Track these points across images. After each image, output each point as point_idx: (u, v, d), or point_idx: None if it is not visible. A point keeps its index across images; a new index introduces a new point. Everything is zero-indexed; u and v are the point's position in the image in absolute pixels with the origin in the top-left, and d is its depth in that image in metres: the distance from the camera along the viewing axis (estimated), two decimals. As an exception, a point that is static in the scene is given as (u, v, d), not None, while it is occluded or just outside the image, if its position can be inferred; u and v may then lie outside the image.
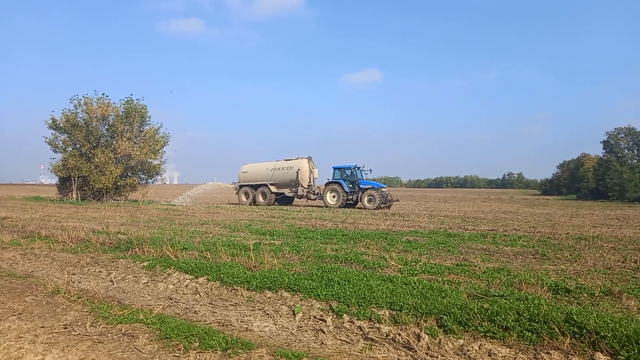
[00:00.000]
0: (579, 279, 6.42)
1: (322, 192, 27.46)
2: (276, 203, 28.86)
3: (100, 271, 7.61)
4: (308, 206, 28.33)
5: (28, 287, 6.34)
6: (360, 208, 25.48)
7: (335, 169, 27.67)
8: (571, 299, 5.36)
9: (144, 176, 33.03)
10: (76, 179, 30.03)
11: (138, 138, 31.62)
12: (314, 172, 28.57)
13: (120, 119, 30.60)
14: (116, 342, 4.25)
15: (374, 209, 24.33)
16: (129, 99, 31.19)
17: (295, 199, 29.36)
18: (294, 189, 28.27)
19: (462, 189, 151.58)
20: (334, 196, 26.65)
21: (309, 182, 28.18)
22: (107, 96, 31.10)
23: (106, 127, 31.22)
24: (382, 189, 26.38)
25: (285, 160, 29.10)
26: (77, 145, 30.56)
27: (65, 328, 4.63)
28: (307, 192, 27.92)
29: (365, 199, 25.54)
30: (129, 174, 31.80)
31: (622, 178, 50.27)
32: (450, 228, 14.00)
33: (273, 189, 28.51)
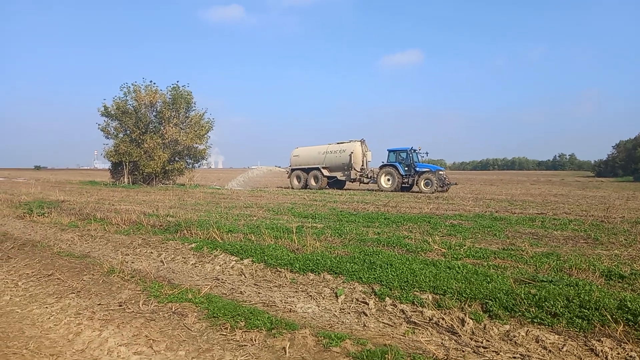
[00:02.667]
0: (634, 265, 6.13)
1: (375, 176, 27.04)
2: (327, 187, 28.81)
3: (151, 252, 7.94)
4: (361, 190, 28.20)
5: (86, 266, 6.72)
6: (416, 192, 24.92)
7: (390, 151, 27.13)
8: (625, 285, 5.12)
9: (190, 161, 34.02)
10: (127, 163, 31.32)
11: (184, 124, 32.51)
12: (367, 155, 28.16)
13: (167, 105, 31.53)
14: (167, 320, 4.45)
15: (431, 193, 23.72)
16: (175, 85, 32.08)
17: (348, 182, 29.16)
18: (346, 173, 28.04)
19: (509, 171, 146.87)
20: (388, 179, 26.20)
21: (362, 165, 27.81)
22: (154, 83, 32.10)
23: (154, 113, 32.27)
24: (440, 172, 25.66)
25: (338, 143, 28.83)
26: (128, 132, 31.78)
27: (120, 306, 4.89)
28: (360, 175, 27.60)
29: (422, 182, 24.97)
30: (176, 158, 32.83)
31: (685, 158, 47.13)
32: (496, 211, 13.64)
33: (325, 172, 28.43)
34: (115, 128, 32.08)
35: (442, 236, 8.71)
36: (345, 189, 28.63)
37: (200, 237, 8.59)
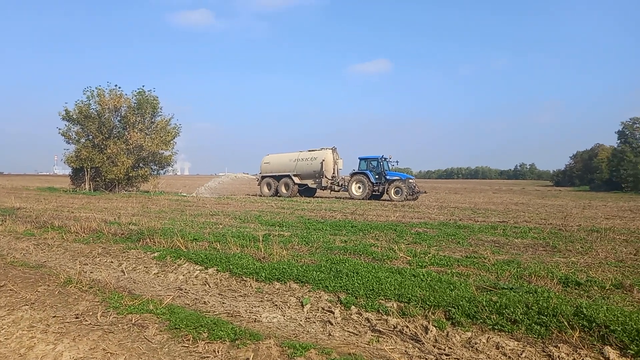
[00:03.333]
0: (590, 272, 6.36)
1: (346, 184, 27.12)
2: (298, 194, 28.65)
3: (112, 261, 7.70)
4: (329, 198, 28.18)
5: (41, 277, 6.45)
6: (387, 200, 25.12)
7: (361, 159, 27.24)
8: (581, 292, 5.30)
9: (155, 167, 33.32)
10: (89, 169, 30.40)
11: (150, 129, 31.85)
12: (338, 163, 28.22)
13: (132, 110, 30.84)
14: (126, 332, 4.31)
15: (402, 201, 23.95)
16: (140, 90, 31.41)
17: (318, 190, 29.09)
18: (317, 180, 27.97)
19: (473, 180, 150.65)
20: (359, 187, 26.29)
21: (333, 173, 27.86)
22: (119, 87, 31.35)
23: (118, 118, 31.49)
24: (410, 180, 25.98)
25: (309, 150, 28.77)
26: (90, 137, 30.88)
27: (77, 318, 4.71)
28: (332, 183, 27.61)
29: (392, 190, 25.12)
30: (140, 164, 32.10)
31: (636, 169, 49.56)
32: (460, 220, 13.93)
33: (296, 180, 28.25)
34: (77, 133, 31.11)
35: (408, 244, 8.81)
36: (315, 197, 28.62)
37: (163, 246, 8.40)
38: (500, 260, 7.11)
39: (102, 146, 30.25)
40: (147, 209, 17.00)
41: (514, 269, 6.42)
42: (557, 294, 4.84)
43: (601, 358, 3.53)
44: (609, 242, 9.27)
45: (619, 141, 59.12)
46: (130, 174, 30.78)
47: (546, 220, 14.28)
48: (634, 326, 3.66)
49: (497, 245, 8.92)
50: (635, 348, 3.48)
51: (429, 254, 7.62)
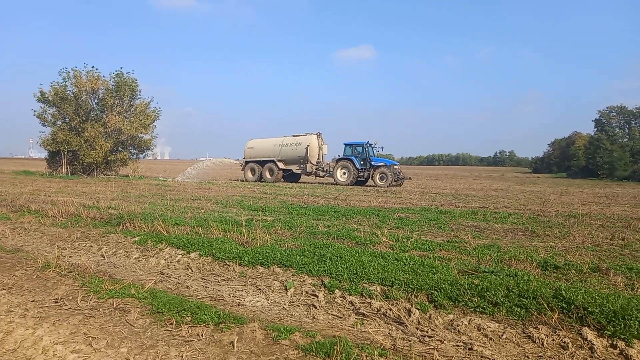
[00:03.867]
0: (568, 256, 6.50)
1: (331, 169, 26.99)
2: (283, 180, 28.51)
3: (91, 246, 7.58)
4: (311, 183, 28.10)
5: (18, 261, 6.30)
6: (371, 186, 25.10)
7: (346, 145, 27.08)
8: (560, 275, 5.42)
9: (134, 151, 32.73)
10: (66, 153, 29.72)
11: (128, 112, 31.26)
12: (323, 149, 28.00)
13: (110, 92, 30.14)
14: (108, 317, 4.25)
15: (386, 187, 23.97)
16: (119, 72, 30.70)
17: (303, 175, 28.92)
18: (302, 166, 27.77)
19: (454, 166, 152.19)
20: (344, 173, 26.17)
21: (318, 158, 27.67)
22: (96, 69, 30.57)
23: (96, 101, 30.80)
24: (395, 167, 25.94)
25: (294, 136, 28.47)
26: (67, 119, 30.17)
27: (56, 302, 4.62)
28: (316, 168, 27.44)
29: (377, 176, 25.07)
30: (119, 148, 31.52)
31: (612, 157, 50.72)
32: (441, 205, 14.08)
33: (281, 165, 27.96)
34: (53, 115, 30.34)
35: (391, 229, 8.87)
36: (299, 183, 28.51)
37: (144, 230, 8.29)
38: (481, 245, 7.21)
39: (80, 129, 29.59)
40: (127, 193, 16.73)
41: (495, 253, 6.52)
42: (536, 277, 4.94)
43: (579, 339, 3.62)
44: (585, 227, 9.47)
45: (595, 129, 60.38)
46: (109, 158, 30.20)
47: (525, 205, 14.52)
48: (611, 308, 3.75)
49: (477, 230, 9.05)
50: (612, 329, 3.57)
51: (412, 238, 7.69)
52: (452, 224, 9.69)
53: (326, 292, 5.01)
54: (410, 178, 29.60)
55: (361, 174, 25.86)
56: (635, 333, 3.47)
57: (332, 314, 4.46)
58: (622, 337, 3.48)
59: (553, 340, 3.64)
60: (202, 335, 3.80)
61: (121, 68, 31.42)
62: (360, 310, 4.48)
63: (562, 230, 8.96)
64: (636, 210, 13.50)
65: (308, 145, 27.27)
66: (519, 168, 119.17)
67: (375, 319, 4.27)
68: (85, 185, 20.95)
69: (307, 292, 5.06)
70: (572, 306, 3.92)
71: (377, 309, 4.48)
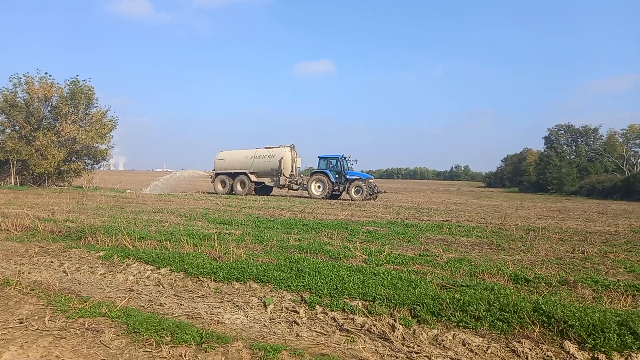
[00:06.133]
0: (535, 269, 6.70)
1: (305, 182, 26.68)
2: (254, 192, 27.87)
3: (52, 261, 7.17)
4: (287, 196, 27.72)
5: (-28, 279, 5.86)
6: (346, 199, 25.01)
7: (320, 158, 26.89)
8: (531, 289, 5.58)
9: (89, 161, 31.48)
10: (15, 162, 28.19)
11: (84, 121, 30.07)
12: (296, 161, 27.68)
13: (65, 100, 28.93)
14: (80, 338, 4.01)
15: (362, 200, 23.96)
16: (74, 79, 29.53)
17: (275, 188, 28.45)
18: (275, 178, 27.30)
19: (412, 180, 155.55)
20: (319, 186, 25.92)
21: (292, 171, 27.30)
22: (50, 76, 29.29)
23: (49, 108, 29.45)
24: (370, 180, 26.00)
25: (267, 148, 27.93)
26: (17, 127, 28.66)
27: (21, 323, 4.32)
28: (290, 181, 27.03)
29: (353, 190, 25.05)
30: (73, 158, 30.20)
31: (560, 172, 53.21)
32: (406, 218, 14.29)
33: (253, 177, 27.34)
34: (1, 123, 28.77)
35: (361, 242, 8.89)
36: (269, 195, 28.10)
37: (108, 245, 7.94)
38: (452, 258, 7.34)
39: (30, 138, 28.16)
40: (83, 205, 16.03)
41: (467, 266, 6.64)
42: (513, 291, 5.06)
43: (562, 352, 3.72)
44: (546, 241, 9.84)
45: (545, 146, 63.27)
46: (62, 168, 28.88)
47: (485, 219, 14.96)
48: (589, 321, 3.88)
49: (445, 243, 9.21)
50: (592, 342, 3.69)
51: (384, 252, 7.73)
52: (421, 238, 9.83)
53: (307, 308, 4.93)
54: (385, 192, 29.69)
55: (336, 187, 25.81)
56: (615, 346, 3.60)
57: (315, 331, 4.39)
58: (603, 349, 3.60)
59: (537, 354, 3.72)
60: (184, 356, 3.64)
61: (77, 75, 30.32)
62: (344, 327, 4.43)
63: (525, 244, 9.27)
64: (589, 224, 14.17)
65: (282, 158, 26.88)
66: (473, 182, 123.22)
67: (360, 335, 4.24)
68: (37, 197, 19.93)
69: (287, 309, 4.97)
70: (553, 320, 4.03)
71: (361, 324, 4.45)
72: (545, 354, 3.70)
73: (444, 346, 3.97)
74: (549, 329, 4.00)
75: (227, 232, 9.83)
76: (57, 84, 29.34)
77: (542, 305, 4.23)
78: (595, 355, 3.60)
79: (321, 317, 4.70)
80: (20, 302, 4.93)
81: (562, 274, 6.36)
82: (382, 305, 4.76)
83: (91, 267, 6.81)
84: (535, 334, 3.98)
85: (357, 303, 4.89)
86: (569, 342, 3.77)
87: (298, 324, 4.54)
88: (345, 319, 4.62)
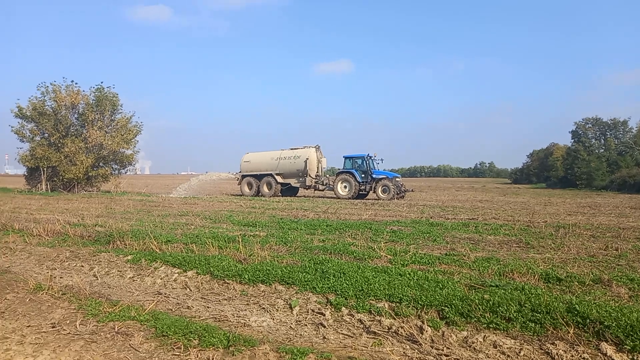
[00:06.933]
0: (567, 267, 6.52)
1: (330, 183, 26.59)
2: (280, 194, 27.92)
3: (82, 266, 7.33)
4: (313, 197, 27.62)
5: (7, 283, 6.03)
6: (373, 199, 24.82)
7: (346, 158, 26.74)
8: (564, 288, 5.41)
9: (116, 166, 32.14)
10: (45, 169, 29.01)
11: (110, 127, 30.71)
12: (322, 162, 27.64)
13: (91, 107, 29.63)
14: (110, 342, 4.07)
15: (389, 200, 23.75)
16: (99, 86, 30.25)
17: (301, 189, 28.49)
18: (301, 179, 27.28)
19: (435, 178, 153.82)
20: (345, 187, 25.73)
21: (317, 172, 27.25)
22: (76, 84, 30.07)
23: (76, 115, 30.22)
24: (397, 179, 25.75)
25: (291, 149, 28.04)
26: (46, 135, 29.50)
27: (54, 327, 4.42)
28: (316, 182, 26.98)
29: (380, 189, 24.78)
30: (100, 164, 30.89)
31: (589, 167, 51.74)
32: (431, 217, 14.10)
33: (279, 179, 27.45)
34: (31, 130, 29.65)
35: (386, 242, 8.80)
36: (293, 197, 28.15)
37: (135, 249, 8.07)
38: (480, 257, 7.20)
39: (59, 144, 28.95)
40: (112, 210, 16.36)
41: (495, 265, 6.50)
42: (544, 291, 4.92)
43: (598, 354, 3.59)
44: (577, 238, 9.57)
45: (572, 140, 61.68)
46: (90, 174, 29.59)
47: (513, 217, 14.65)
48: (627, 321, 3.74)
49: (472, 242, 9.05)
50: (631, 343, 3.55)
51: (409, 252, 7.63)
52: (446, 237, 9.68)
53: (333, 310, 4.90)
54: (412, 190, 29.22)
55: (362, 187, 25.55)
56: (655, 347, 3.46)
57: (342, 333, 4.36)
58: (642, 351, 3.46)
59: (572, 356, 3.60)
60: (212, 360, 3.65)
61: (102, 82, 31.04)
62: (370, 329, 4.38)
63: (556, 241, 9.03)
64: (621, 220, 13.73)
65: (307, 159, 26.88)
66: (499, 179, 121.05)
67: (387, 338, 4.18)
68: (67, 202, 20.44)
69: (313, 311, 4.95)
70: (588, 320, 3.90)
71: (388, 326, 4.39)
72: (581, 356, 3.58)
73: (474, 348, 3.88)
74: (584, 330, 3.87)
75: (252, 234, 9.88)
76: (83, 91, 30.13)
77: (576, 305, 4.10)
78: (635, 358, 3.46)
79: (347, 319, 4.66)
80: (53, 307, 5.04)
81: (595, 272, 6.17)
82: (409, 306, 4.69)
83: (120, 271, 6.93)
84: (569, 335, 3.85)
85: (384, 304, 4.83)
86: (605, 344, 3.64)
87: (324, 326, 4.51)
88: (371, 320, 4.57)
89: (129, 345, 3.98)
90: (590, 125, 60.54)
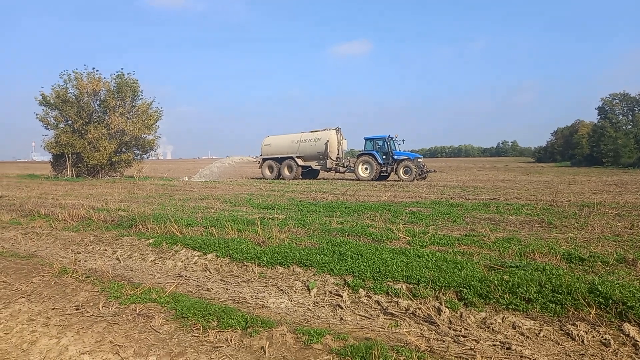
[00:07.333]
0: (591, 247, 6.38)
1: (351, 165, 26.49)
2: (301, 177, 27.93)
3: (105, 249, 7.50)
4: (333, 179, 27.62)
5: (34, 267, 6.22)
6: (395, 180, 24.66)
7: (366, 139, 26.52)
8: (586, 268, 5.30)
9: (138, 152, 32.61)
10: (70, 155, 29.63)
11: (131, 113, 31.11)
12: (342, 144, 27.52)
13: (112, 93, 29.98)
14: (132, 323, 4.16)
15: (411, 181, 23.51)
16: (119, 73, 30.51)
17: (322, 172, 28.44)
18: (322, 162, 27.20)
19: (457, 158, 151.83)
20: (366, 168, 25.62)
21: (338, 154, 27.15)
22: (97, 71, 30.42)
23: (98, 102, 30.63)
24: (418, 160, 25.43)
25: (312, 131, 27.92)
26: (69, 122, 30.03)
27: (78, 309, 4.54)
28: (336, 164, 26.92)
29: (401, 170, 24.52)
30: (123, 149, 31.39)
31: (616, 144, 50.37)
32: (451, 198, 13.95)
33: (299, 161, 27.41)
34: (55, 118, 30.22)
35: (405, 224, 8.75)
36: (311, 179, 28.17)
37: (157, 232, 8.21)
38: (500, 238, 7.09)
39: (83, 131, 29.46)
40: (134, 195, 16.66)
41: (516, 246, 6.40)
42: (566, 271, 4.82)
43: (621, 335, 3.52)
44: (602, 217, 9.35)
45: (599, 117, 59.98)
46: (113, 159, 30.12)
47: (535, 196, 14.39)
48: (651, 302, 3.65)
49: (493, 222, 8.93)
50: (655, 324, 3.47)
51: (428, 233, 7.58)
52: (466, 217, 9.57)
53: (350, 291, 4.91)
54: (435, 170, 28.77)
55: (384, 168, 25.36)
56: (680, 328, 3.37)
57: (359, 315, 4.37)
58: (667, 332, 3.38)
59: (593, 337, 3.53)
60: (230, 341, 3.71)
61: (122, 69, 31.43)
62: (388, 310, 4.38)
63: (579, 221, 8.83)
64: (649, 198, 13.35)
65: (327, 141, 26.71)
66: (522, 158, 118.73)
67: (404, 319, 4.17)
68: (92, 188, 20.89)
69: (330, 292, 4.97)
70: (610, 301, 3.81)
71: (406, 308, 4.38)
72: (602, 337, 3.51)
73: (492, 329, 3.84)
74: (606, 311, 3.79)
75: (270, 216, 9.94)
76: (104, 78, 30.47)
77: (599, 286, 4.01)
78: (658, 339, 3.38)
79: (365, 301, 4.67)
80: (77, 290, 5.17)
81: (619, 251, 6.02)
82: (426, 288, 4.67)
83: (142, 254, 7.07)
84: (591, 316, 3.78)
85: (401, 286, 4.82)
86: (628, 325, 3.56)
87: (342, 308, 4.53)
88: (389, 302, 4.56)
89: (150, 326, 4.07)
90: (617, 100, 58.71)
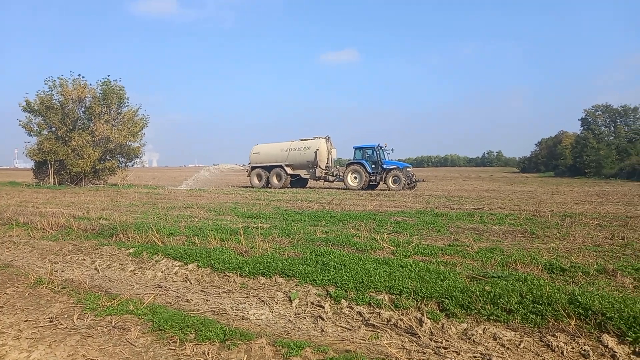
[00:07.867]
0: (572, 258, 6.42)
1: (341, 174, 26.45)
2: (290, 185, 27.85)
3: (84, 259, 7.34)
4: (320, 188, 27.52)
5: (8, 277, 6.06)
6: (383, 189, 24.68)
7: (356, 148, 26.50)
8: (567, 278, 5.33)
9: (123, 159, 32.27)
10: (52, 163, 29.18)
11: (116, 120, 30.82)
12: (332, 153, 27.45)
13: (97, 100, 29.71)
14: (107, 336, 4.05)
15: (400, 190, 23.53)
16: (106, 80, 30.31)
17: (311, 180, 28.36)
18: (311, 170, 27.11)
19: (442, 167, 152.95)
20: (355, 177, 25.61)
21: (327, 163, 27.09)
22: (83, 77, 30.13)
23: (83, 109, 30.31)
24: (407, 169, 25.53)
25: (301, 140, 27.85)
26: (53, 129, 29.65)
27: (51, 321, 4.41)
28: (326, 173, 26.86)
29: (390, 179, 24.58)
30: (107, 157, 31.03)
31: (598, 155, 51.21)
32: (436, 207, 13.99)
33: (289, 170, 27.32)
34: (38, 124, 29.81)
35: (389, 233, 8.74)
36: (296, 188, 28.11)
37: (138, 242, 8.07)
38: (483, 248, 7.11)
39: (67, 138, 29.08)
40: (117, 203, 16.42)
41: (498, 256, 6.42)
42: (547, 281, 4.84)
43: (600, 346, 3.52)
44: (583, 227, 9.44)
45: (582, 128, 61.00)
46: (97, 167, 29.74)
47: (519, 206, 14.50)
48: (630, 313, 3.66)
49: (476, 232, 8.96)
50: (634, 335, 3.48)
51: (412, 243, 7.57)
52: (450, 227, 9.60)
53: (332, 302, 4.86)
54: (424, 180, 28.94)
55: (373, 177, 25.36)
56: (658, 339, 3.38)
57: (340, 326, 4.31)
58: (645, 343, 3.38)
59: (573, 348, 3.53)
60: (208, 354, 3.63)
61: (108, 76, 31.05)
62: (369, 321, 4.33)
63: (561, 231, 8.91)
64: (630, 208, 13.56)
65: (317, 150, 26.67)
66: (507, 168, 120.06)
67: (386, 330, 4.13)
68: (74, 195, 20.56)
69: (312, 303, 4.91)
70: (590, 312, 3.82)
71: (387, 319, 4.34)
72: (582, 348, 3.51)
73: (473, 341, 3.82)
74: (585, 322, 3.79)
75: (255, 225, 9.86)
76: (90, 85, 30.19)
77: (579, 297, 4.02)
78: (637, 350, 3.39)
79: (346, 312, 4.62)
80: (52, 301, 5.04)
81: (600, 262, 6.08)
82: (409, 298, 4.64)
83: (121, 264, 6.93)
84: (571, 327, 3.78)
85: (384, 297, 4.78)
86: (607, 336, 3.57)
87: (323, 319, 4.48)
88: (371, 313, 4.52)
89: (125, 339, 3.96)
90: (600, 112, 59.83)
